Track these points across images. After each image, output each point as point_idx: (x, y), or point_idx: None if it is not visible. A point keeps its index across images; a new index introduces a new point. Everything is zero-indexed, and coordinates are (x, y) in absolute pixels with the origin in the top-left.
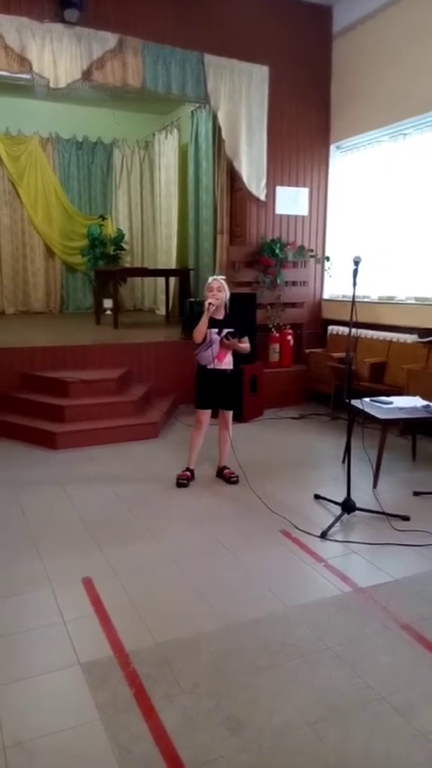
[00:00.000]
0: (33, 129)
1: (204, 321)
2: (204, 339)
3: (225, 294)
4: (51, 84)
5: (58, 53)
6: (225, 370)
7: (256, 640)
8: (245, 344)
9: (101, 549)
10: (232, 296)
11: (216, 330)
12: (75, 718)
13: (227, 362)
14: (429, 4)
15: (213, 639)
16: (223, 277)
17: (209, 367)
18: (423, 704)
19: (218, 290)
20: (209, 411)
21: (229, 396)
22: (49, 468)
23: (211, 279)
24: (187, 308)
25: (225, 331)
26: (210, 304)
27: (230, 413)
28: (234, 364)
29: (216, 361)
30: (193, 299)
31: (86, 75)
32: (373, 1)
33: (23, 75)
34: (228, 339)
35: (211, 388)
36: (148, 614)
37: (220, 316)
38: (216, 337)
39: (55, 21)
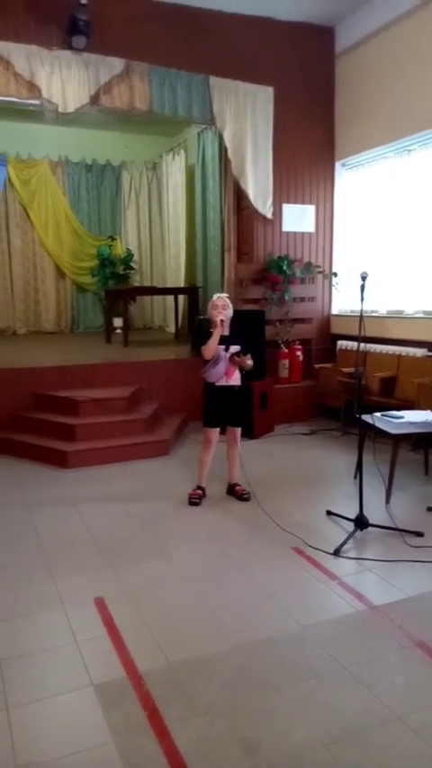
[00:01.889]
0: (43, 153)
1: (216, 338)
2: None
3: (230, 311)
4: (60, 109)
5: (66, 79)
6: (234, 387)
7: (270, 660)
8: (250, 361)
9: (113, 569)
10: (241, 312)
11: (224, 347)
12: (88, 741)
13: (235, 378)
14: (430, 22)
15: (227, 659)
16: (226, 294)
17: (218, 384)
18: None
19: (223, 308)
20: (217, 429)
21: (238, 412)
22: (61, 487)
23: (215, 296)
24: (196, 326)
25: (233, 348)
26: (221, 321)
27: (239, 429)
28: (241, 380)
29: (225, 377)
30: (202, 317)
31: (94, 99)
32: (374, 20)
33: (33, 101)
34: (238, 356)
35: (221, 405)
36: (161, 634)
37: (226, 332)
38: (224, 354)
39: (63, 48)
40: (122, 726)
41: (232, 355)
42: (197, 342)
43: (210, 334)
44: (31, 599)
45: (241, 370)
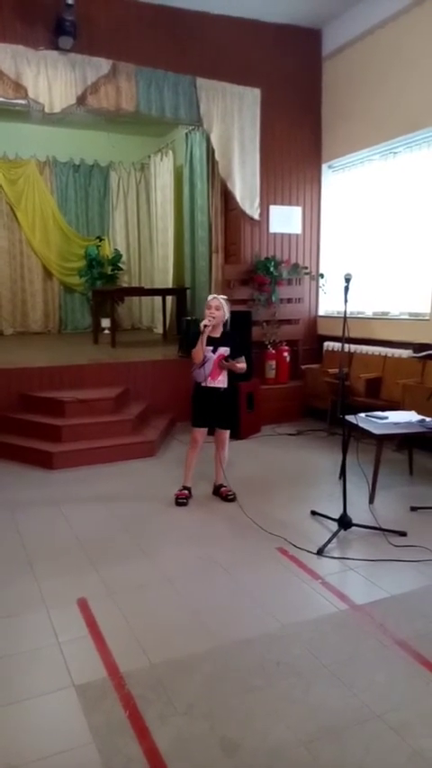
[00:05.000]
0: (30, 153)
1: (202, 342)
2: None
3: (223, 313)
4: (46, 110)
5: (52, 79)
6: (219, 389)
7: (251, 660)
8: (241, 365)
9: (96, 570)
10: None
11: (211, 348)
12: (68, 742)
13: (220, 381)
14: (415, 27)
15: (208, 659)
16: (224, 297)
17: (203, 385)
18: (419, 722)
19: (215, 309)
20: (204, 429)
21: (225, 414)
22: (46, 488)
23: (210, 297)
24: (184, 327)
25: (221, 350)
26: (204, 326)
27: (227, 432)
28: (229, 383)
29: (209, 379)
30: (189, 318)
31: (81, 100)
32: (361, 24)
33: (19, 101)
34: (227, 361)
35: (206, 405)
36: (144, 635)
37: (217, 334)
38: (211, 356)
39: (50, 48)
40: (103, 726)
41: (219, 358)
42: (185, 343)
43: (197, 336)
44: (13, 600)
45: (231, 372)
